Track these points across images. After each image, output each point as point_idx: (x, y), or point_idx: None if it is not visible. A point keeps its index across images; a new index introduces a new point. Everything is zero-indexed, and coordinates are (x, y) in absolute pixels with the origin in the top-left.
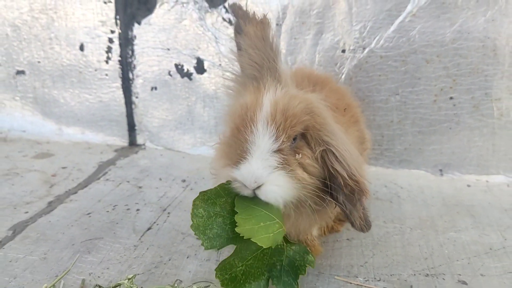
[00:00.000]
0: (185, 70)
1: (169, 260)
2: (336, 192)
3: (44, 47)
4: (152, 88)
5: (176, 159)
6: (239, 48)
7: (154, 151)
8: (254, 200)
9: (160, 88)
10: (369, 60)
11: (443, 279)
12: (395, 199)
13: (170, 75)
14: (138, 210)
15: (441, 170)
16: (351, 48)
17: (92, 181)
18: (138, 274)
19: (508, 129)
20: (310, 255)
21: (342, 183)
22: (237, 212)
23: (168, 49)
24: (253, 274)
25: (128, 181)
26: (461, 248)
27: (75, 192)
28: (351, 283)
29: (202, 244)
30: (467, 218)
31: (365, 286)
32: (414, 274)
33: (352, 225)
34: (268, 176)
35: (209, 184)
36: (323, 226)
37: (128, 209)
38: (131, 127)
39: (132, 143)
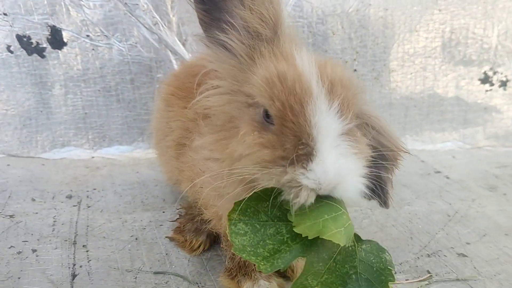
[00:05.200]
0: (34, 44)
1: None
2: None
3: None
4: None
5: (35, 169)
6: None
7: None
8: None
9: None
10: None
11: None
12: None
13: (11, 51)
14: (34, 251)
15: None
16: None
17: None
18: None
19: (400, 99)
20: (387, 253)
21: (387, 156)
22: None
23: (5, 14)
24: None
25: None
26: None
27: None
28: None
29: (259, 268)
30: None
31: None
32: None
33: (385, 204)
34: (348, 169)
35: (111, 195)
36: None
37: (19, 252)
38: None
39: None
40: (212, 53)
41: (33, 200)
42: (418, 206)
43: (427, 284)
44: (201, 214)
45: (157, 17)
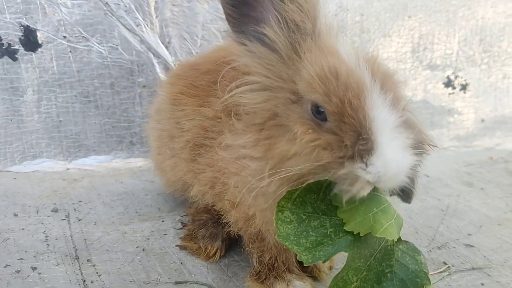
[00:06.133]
0: (5, 45)
1: None
2: None
3: None
4: None
5: (8, 182)
6: None
7: None
8: None
9: None
10: None
11: None
12: None
13: None
14: (34, 268)
15: None
16: None
17: None
18: None
19: None
20: (422, 256)
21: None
22: (334, 209)
23: None
24: None
25: None
26: None
27: None
28: None
29: (300, 258)
30: None
31: None
32: None
33: (409, 198)
34: (407, 162)
35: (101, 207)
36: None
37: (17, 271)
38: None
39: None
40: (246, 49)
41: (16, 215)
42: (412, 203)
43: (448, 274)
44: (219, 218)
45: (140, 17)
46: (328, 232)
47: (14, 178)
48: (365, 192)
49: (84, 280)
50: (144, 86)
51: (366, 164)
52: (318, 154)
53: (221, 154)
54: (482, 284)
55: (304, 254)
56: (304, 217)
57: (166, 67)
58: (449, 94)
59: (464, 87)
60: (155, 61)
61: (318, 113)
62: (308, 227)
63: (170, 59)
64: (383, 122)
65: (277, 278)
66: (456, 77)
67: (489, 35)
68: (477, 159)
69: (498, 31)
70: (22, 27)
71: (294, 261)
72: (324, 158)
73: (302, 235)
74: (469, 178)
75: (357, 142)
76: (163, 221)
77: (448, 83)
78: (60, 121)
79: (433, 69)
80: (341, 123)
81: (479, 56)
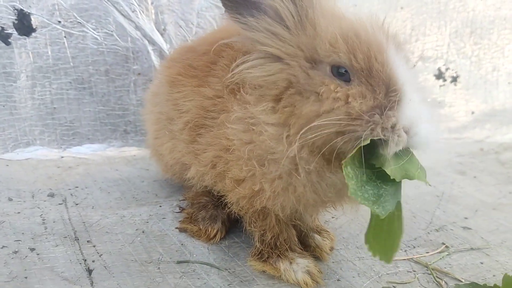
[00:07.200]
0: None
1: None
2: None
3: None
4: None
5: (0, 169)
6: None
7: None
8: None
9: None
10: None
11: None
12: None
13: None
14: (32, 249)
15: None
16: None
17: None
18: None
19: None
20: None
21: None
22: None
23: None
24: None
25: None
26: None
27: None
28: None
29: (375, 212)
30: None
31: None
32: None
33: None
34: (429, 113)
35: (98, 192)
36: None
37: (15, 251)
38: None
39: None
40: (247, 27)
41: (10, 199)
42: (407, 190)
43: (447, 254)
44: (218, 200)
45: (135, 3)
46: (378, 184)
47: (7, 165)
48: (403, 141)
49: (85, 260)
50: (139, 74)
51: (399, 113)
52: (351, 105)
53: (231, 127)
54: (482, 263)
55: (376, 208)
56: (357, 172)
57: (161, 55)
58: (440, 86)
59: (454, 79)
60: (150, 48)
61: (339, 74)
62: (362, 181)
63: (165, 46)
64: (405, 76)
65: (280, 257)
66: (447, 69)
67: (480, 28)
68: (468, 150)
69: (488, 23)
70: (16, 11)
71: (296, 240)
72: (357, 109)
73: (363, 190)
74: (461, 168)
75: (387, 93)
76: (160, 206)
77: (439, 75)
78: (54, 108)
79: (424, 61)
80: (368, 77)
81: (470, 48)
